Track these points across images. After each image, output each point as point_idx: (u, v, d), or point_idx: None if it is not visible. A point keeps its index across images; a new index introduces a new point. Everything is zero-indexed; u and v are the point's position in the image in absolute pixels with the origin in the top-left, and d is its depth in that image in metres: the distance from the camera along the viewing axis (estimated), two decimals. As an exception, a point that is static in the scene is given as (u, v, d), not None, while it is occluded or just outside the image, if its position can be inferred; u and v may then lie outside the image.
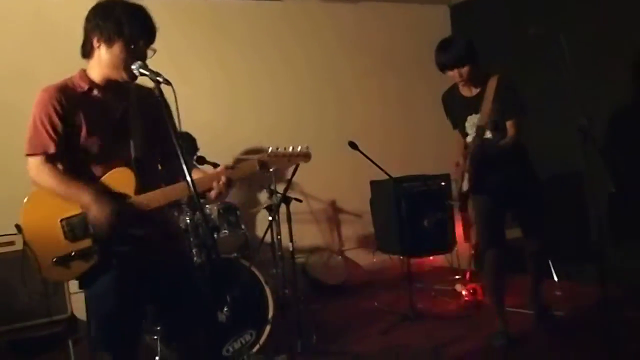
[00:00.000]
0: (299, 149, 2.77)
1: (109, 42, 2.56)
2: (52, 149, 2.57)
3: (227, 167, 2.68)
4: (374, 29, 6.95)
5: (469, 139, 4.19)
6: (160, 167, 2.85)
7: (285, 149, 2.75)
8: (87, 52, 2.64)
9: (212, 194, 2.65)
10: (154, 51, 2.64)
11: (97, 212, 2.51)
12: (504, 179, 4.09)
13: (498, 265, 4.27)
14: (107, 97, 2.66)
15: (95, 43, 2.59)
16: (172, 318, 2.81)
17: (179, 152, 2.33)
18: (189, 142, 4.97)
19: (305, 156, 2.80)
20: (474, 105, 4.14)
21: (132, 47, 2.55)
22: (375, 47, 6.92)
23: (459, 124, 4.30)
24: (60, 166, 2.63)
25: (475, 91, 4.16)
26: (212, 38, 6.14)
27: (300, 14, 6.60)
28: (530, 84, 5.77)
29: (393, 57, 6.95)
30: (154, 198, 2.62)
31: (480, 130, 4.07)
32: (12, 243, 4.13)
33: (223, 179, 2.63)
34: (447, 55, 4.08)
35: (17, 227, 2.67)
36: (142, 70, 2.52)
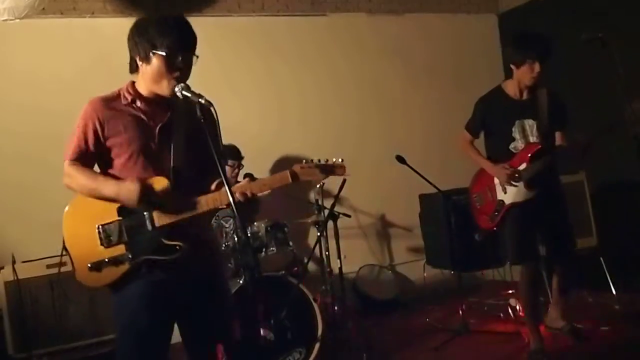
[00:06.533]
0: (333, 160, 2.71)
1: (147, 59, 2.62)
2: (75, 157, 2.69)
3: (250, 180, 2.73)
4: (419, 41, 6.88)
5: (516, 144, 4.09)
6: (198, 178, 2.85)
7: (319, 160, 2.70)
8: (133, 69, 2.72)
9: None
10: (197, 57, 2.67)
11: (125, 190, 2.59)
12: (544, 190, 4.02)
13: (531, 281, 4.17)
14: (150, 108, 2.72)
15: (138, 60, 2.66)
16: (198, 341, 2.78)
17: (219, 169, 2.37)
18: (233, 152, 5.06)
19: (340, 168, 2.71)
20: (527, 110, 4.07)
21: (170, 59, 2.59)
22: (421, 59, 6.85)
23: (499, 128, 4.19)
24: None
25: (526, 95, 4.09)
26: (261, 53, 6.20)
27: (346, 28, 6.59)
28: (582, 91, 5.63)
29: (439, 68, 6.86)
30: (192, 203, 2.64)
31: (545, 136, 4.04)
32: (64, 264, 4.21)
33: (248, 192, 2.62)
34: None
35: (65, 248, 2.73)
36: (184, 92, 2.56)
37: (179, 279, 2.66)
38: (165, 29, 2.59)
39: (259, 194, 2.67)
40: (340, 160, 2.72)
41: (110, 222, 2.63)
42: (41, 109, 5.25)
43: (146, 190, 2.58)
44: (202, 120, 2.48)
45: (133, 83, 2.73)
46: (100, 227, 2.64)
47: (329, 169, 2.70)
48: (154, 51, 2.58)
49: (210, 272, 2.83)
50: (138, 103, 2.70)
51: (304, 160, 2.69)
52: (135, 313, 2.62)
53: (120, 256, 2.62)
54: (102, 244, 2.63)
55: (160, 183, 2.63)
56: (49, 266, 4.49)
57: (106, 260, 2.62)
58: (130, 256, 2.61)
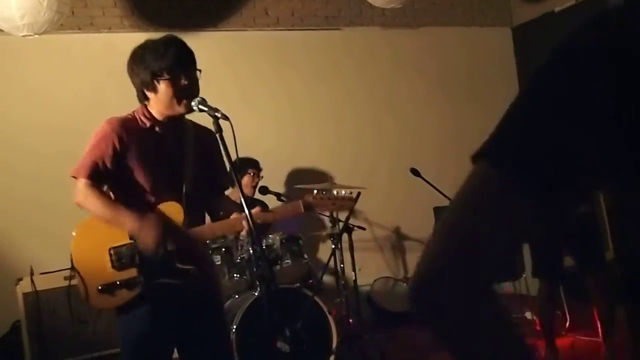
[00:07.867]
0: (343, 193, 2.82)
1: (152, 87, 2.64)
2: (93, 178, 2.64)
3: (261, 210, 2.78)
4: (434, 54, 6.89)
5: None
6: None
7: (331, 191, 2.81)
8: (141, 98, 2.75)
9: (243, 233, 2.73)
10: (200, 71, 2.70)
11: (144, 232, 2.57)
12: None
13: (550, 296, 4.15)
14: (166, 133, 2.75)
15: (145, 90, 2.68)
16: None
17: (239, 192, 2.41)
18: (253, 162, 5.16)
19: (350, 200, 2.85)
20: None
21: (174, 81, 2.61)
22: (435, 73, 6.85)
23: None
24: (111, 194, 2.73)
25: None
26: (277, 67, 6.25)
27: (360, 42, 6.62)
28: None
29: (453, 81, 6.85)
30: (202, 232, 2.71)
31: None
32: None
33: (259, 220, 2.67)
34: None
35: (75, 269, 2.75)
36: (200, 107, 2.59)
37: (185, 301, 2.68)
38: (160, 53, 2.61)
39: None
40: (350, 192, 2.84)
41: (122, 245, 2.64)
42: (59, 125, 5.31)
43: (166, 236, 2.59)
44: (215, 138, 2.55)
45: (146, 107, 2.74)
46: (111, 249, 2.64)
47: (338, 204, 2.83)
48: (157, 78, 2.60)
49: (211, 293, 2.89)
50: (157, 129, 2.72)
51: (315, 191, 2.77)
52: (145, 334, 2.63)
53: (132, 279, 2.62)
54: (113, 267, 2.63)
55: (173, 208, 2.67)
56: (66, 278, 4.51)
57: (118, 282, 2.61)
58: (142, 279, 2.62)
